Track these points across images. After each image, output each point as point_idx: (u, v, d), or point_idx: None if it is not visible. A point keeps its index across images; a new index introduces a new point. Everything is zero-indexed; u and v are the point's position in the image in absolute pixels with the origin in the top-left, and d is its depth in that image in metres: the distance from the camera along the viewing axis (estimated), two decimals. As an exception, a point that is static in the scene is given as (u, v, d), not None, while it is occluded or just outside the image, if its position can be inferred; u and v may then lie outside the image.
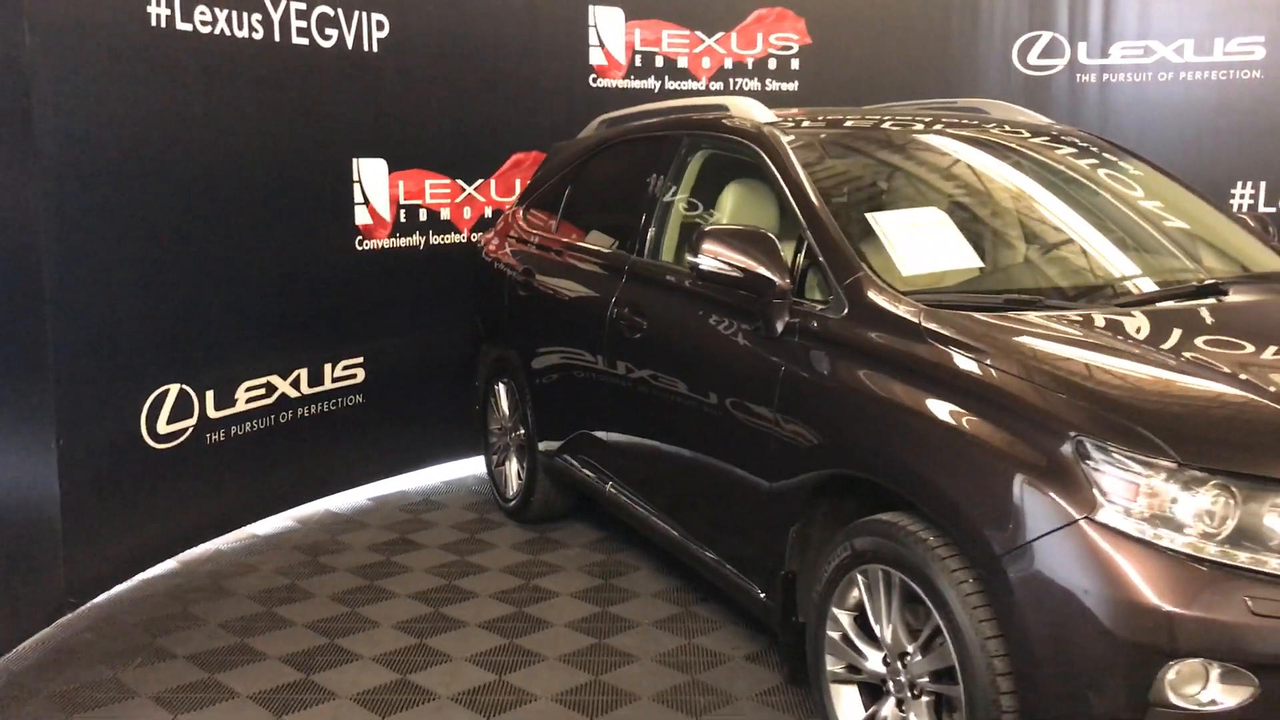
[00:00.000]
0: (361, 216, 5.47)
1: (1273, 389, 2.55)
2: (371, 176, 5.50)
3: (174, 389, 4.58)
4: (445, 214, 5.87)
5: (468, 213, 5.97)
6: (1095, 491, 2.37)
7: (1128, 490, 2.35)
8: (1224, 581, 2.25)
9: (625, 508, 4.29)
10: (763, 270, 3.26)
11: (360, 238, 5.47)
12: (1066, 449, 2.44)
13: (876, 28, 6.85)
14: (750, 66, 6.78)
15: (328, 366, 5.39)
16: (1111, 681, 2.31)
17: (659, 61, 6.58)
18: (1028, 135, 4.11)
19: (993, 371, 2.70)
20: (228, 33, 4.69)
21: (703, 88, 6.68)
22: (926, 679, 2.77)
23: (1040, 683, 2.43)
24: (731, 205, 3.98)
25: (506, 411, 5.30)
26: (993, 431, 2.61)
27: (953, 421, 2.70)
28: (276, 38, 4.93)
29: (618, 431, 4.30)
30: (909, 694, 2.83)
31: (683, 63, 6.65)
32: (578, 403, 4.59)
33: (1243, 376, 2.61)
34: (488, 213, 6.01)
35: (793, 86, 6.84)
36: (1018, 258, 3.52)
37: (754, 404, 3.36)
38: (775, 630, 3.38)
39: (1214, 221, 3.87)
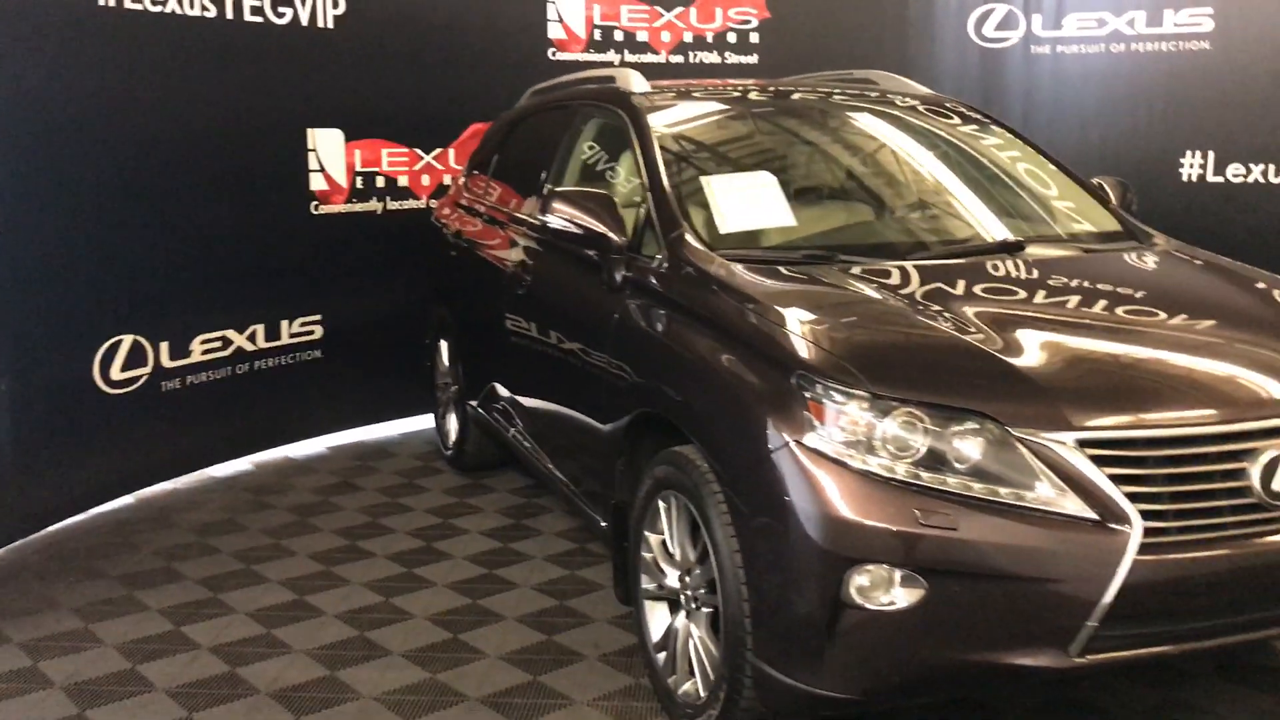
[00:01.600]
0: (317, 183, 5.85)
1: (978, 334, 2.82)
2: (327, 145, 5.88)
3: (127, 339, 5.00)
4: (403, 181, 6.24)
5: (426, 180, 6.33)
6: (808, 418, 2.66)
7: (832, 417, 2.63)
8: (903, 498, 2.52)
9: (520, 453, 4.63)
10: (601, 228, 3.57)
11: (315, 203, 5.86)
12: (792, 382, 2.73)
13: (834, 1, 7.06)
14: (710, 40, 7.04)
15: (284, 323, 5.79)
16: (808, 585, 2.60)
17: (618, 35, 6.87)
18: (896, 105, 4.35)
19: (753, 318, 2.99)
20: (178, 11, 5.09)
21: (663, 61, 6.95)
22: (703, 591, 3.08)
23: (761, 589, 2.72)
24: (625, 171, 4.28)
25: (446, 366, 5.67)
26: (744, 370, 2.90)
27: (716, 362, 3.00)
28: (229, 15, 5.32)
29: (512, 382, 4.64)
30: (693, 606, 3.14)
31: (642, 36, 6.93)
32: (488, 356, 4.94)
33: (953, 320, 2.88)
34: (446, 180, 6.36)
35: (752, 59, 7.08)
36: (835, 218, 3.79)
37: (596, 350, 3.68)
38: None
39: (1060, 187, 4.09)
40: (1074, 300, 3.13)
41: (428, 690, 3.48)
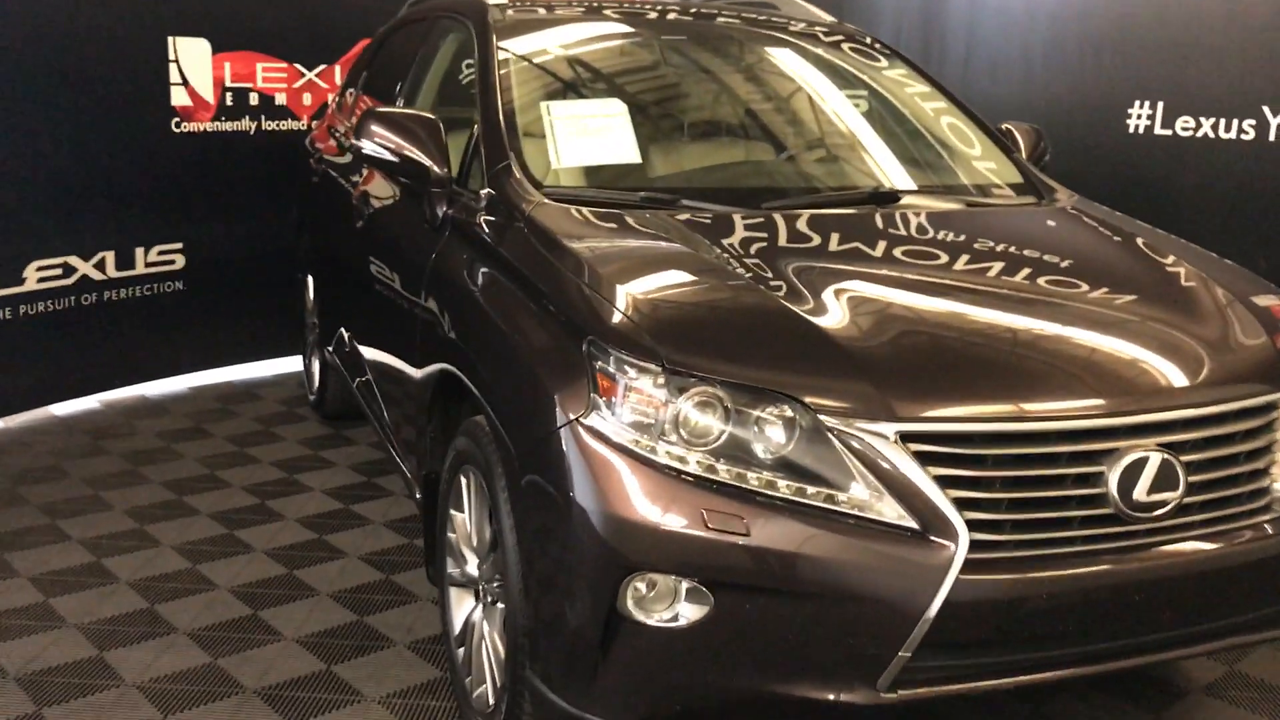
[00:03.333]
0: (179, 98, 5.33)
1: (805, 302, 2.38)
2: (191, 57, 5.35)
3: (-58, 262, 4.52)
4: (280, 99, 5.72)
5: (308, 99, 5.82)
6: (592, 394, 2.22)
7: (618, 393, 2.19)
8: (692, 495, 2.10)
9: (364, 409, 4.18)
10: (419, 156, 3.10)
11: (177, 120, 5.34)
12: (583, 350, 2.29)
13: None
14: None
15: (139, 251, 5.30)
16: (582, 592, 2.18)
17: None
18: (790, 33, 3.86)
19: (554, 270, 2.54)
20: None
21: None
22: (496, 586, 2.66)
23: (540, 593, 2.31)
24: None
25: (311, 304, 5.20)
26: (537, 332, 2.46)
27: (511, 319, 2.56)
28: (74, -96, 4.77)
29: (354, 327, 4.18)
30: (489, 601, 2.72)
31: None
32: (337, 297, 4.48)
33: (783, 284, 2.44)
34: (331, 100, 5.84)
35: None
36: (694, 157, 3.33)
37: (415, 298, 3.22)
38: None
39: (963, 132, 3.63)
40: (933, 264, 2.69)
41: (203, 678, 3.06)
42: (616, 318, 2.31)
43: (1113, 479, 2.18)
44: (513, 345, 2.51)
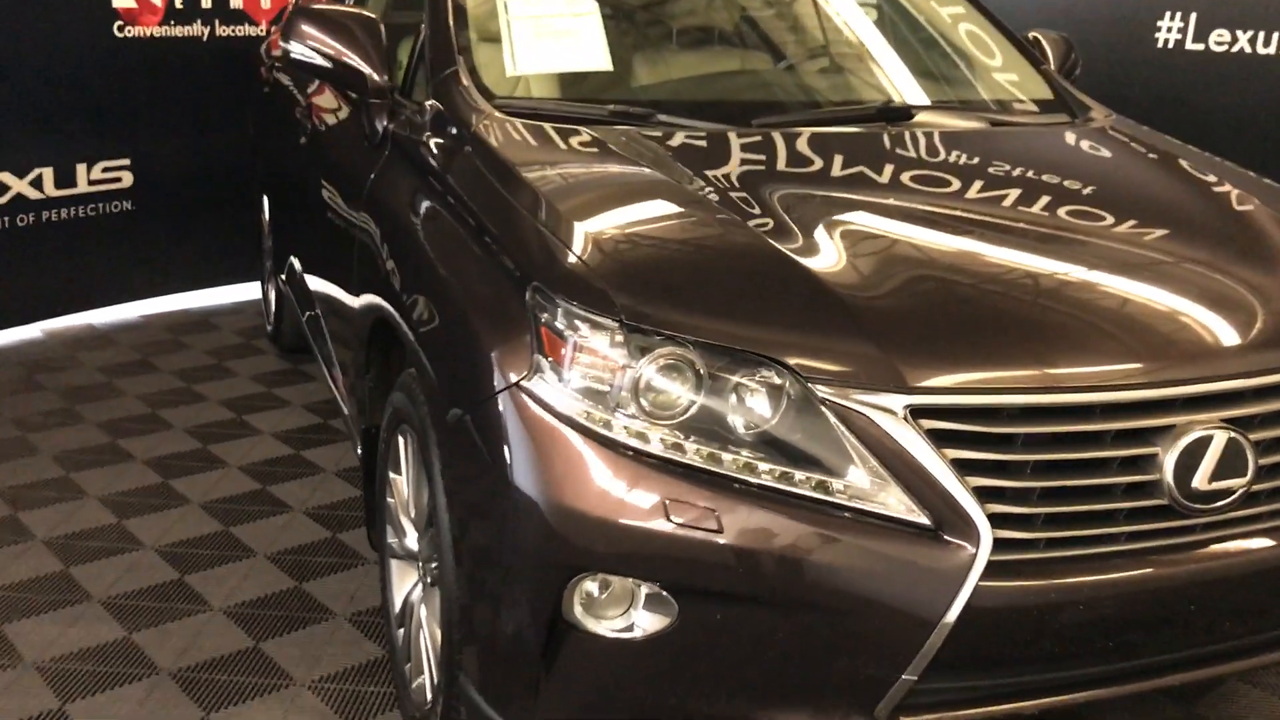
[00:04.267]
0: (121, -1, 4.85)
1: (796, 243, 1.97)
2: (133, -48, 4.86)
3: None
4: (236, 2, 5.23)
5: (266, 2, 5.33)
6: (536, 354, 1.82)
7: (566, 353, 1.79)
8: (651, 480, 1.71)
9: (313, 344, 3.78)
10: (355, 61, 2.66)
11: (120, 23, 4.87)
12: (527, 298, 1.88)
13: None
14: None
15: (80, 167, 4.87)
16: (520, 593, 1.80)
17: None
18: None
19: (502, 199, 2.13)
20: None
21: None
22: (434, 567, 2.28)
23: (476, 589, 1.93)
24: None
25: (266, 228, 4.78)
26: (477, 275, 2.05)
27: (449, 258, 2.15)
28: None
29: (302, 255, 3.77)
30: (428, 582, 2.35)
31: None
32: (286, 220, 4.06)
33: (771, 220, 2.03)
34: (291, 3, 5.35)
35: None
36: (678, 65, 2.88)
37: (351, 224, 2.81)
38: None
39: (986, 40, 3.17)
40: (951, 195, 2.27)
41: (113, 656, 2.70)
42: (566, 260, 1.90)
43: (1168, 463, 1.78)
44: (448, 289, 2.10)
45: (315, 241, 3.40)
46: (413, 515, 2.42)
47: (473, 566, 1.91)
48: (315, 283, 3.45)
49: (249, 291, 5.54)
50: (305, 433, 4.02)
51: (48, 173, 4.75)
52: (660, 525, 1.69)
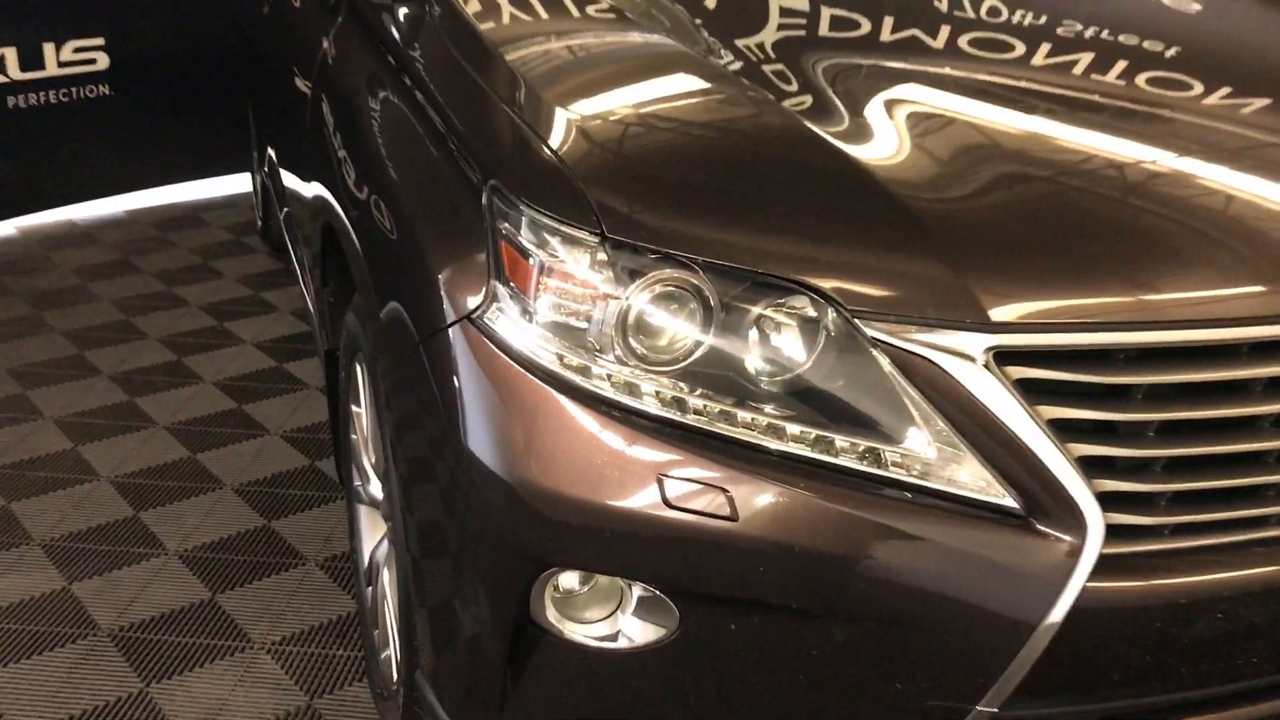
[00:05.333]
0: None
1: (843, 127, 1.49)
2: None
3: None
4: None
5: None
6: (494, 279, 1.38)
7: (533, 278, 1.34)
8: (642, 447, 1.27)
9: (290, 245, 3.35)
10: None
11: (85, -119, 4.36)
12: (484, 203, 1.43)
13: None
14: None
15: (48, 48, 4.40)
16: (477, 589, 1.39)
17: None
18: None
19: (471, 77, 1.66)
20: None
21: None
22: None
23: (429, 575, 1.52)
24: None
25: (251, 110, 4.32)
26: (431, 171, 1.60)
27: (397, 148, 1.69)
28: None
29: (273, 141, 3.32)
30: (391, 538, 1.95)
31: None
32: (259, 101, 3.60)
33: (811, 95, 1.54)
34: None
35: None
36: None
37: (305, 103, 2.35)
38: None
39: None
40: (1044, 68, 1.77)
41: (47, 613, 2.35)
42: (537, 152, 1.44)
43: None
44: (398, 190, 1.66)
45: (281, 127, 2.95)
46: (373, 460, 2.01)
47: (422, 546, 1.50)
48: (286, 176, 3.01)
49: (244, 183, 5.10)
50: (290, 342, 3.62)
51: (9, 53, 4.30)
52: (653, 508, 1.26)
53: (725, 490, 1.25)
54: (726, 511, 1.25)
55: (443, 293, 1.41)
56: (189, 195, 5.02)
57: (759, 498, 1.25)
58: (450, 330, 1.39)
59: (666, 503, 1.25)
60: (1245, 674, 1.38)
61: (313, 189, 2.20)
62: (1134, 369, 1.29)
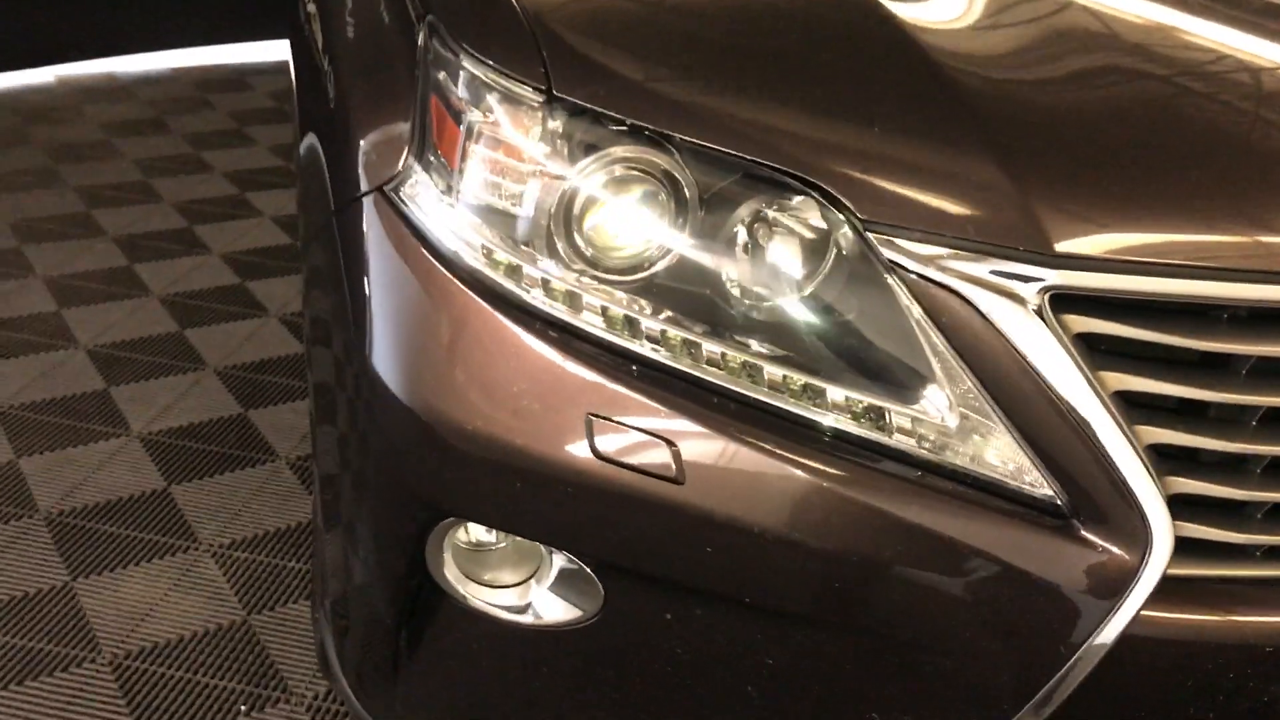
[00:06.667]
0: None
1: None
2: None
3: None
4: None
5: None
6: (415, 138, 1.07)
7: (460, 141, 1.04)
8: (574, 376, 0.97)
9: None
10: None
11: None
12: (419, 43, 1.12)
13: None
14: None
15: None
16: (366, 532, 1.11)
17: None
18: None
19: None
20: None
21: None
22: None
23: (325, 494, 1.25)
24: None
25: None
26: (372, 12, 1.29)
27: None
28: None
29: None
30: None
31: None
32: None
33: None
34: None
35: None
36: None
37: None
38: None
39: None
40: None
41: (-15, 486, 2.15)
42: (488, -16, 1.12)
43: None
44: (334, 26, 1.35)
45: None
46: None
47: (324, 461, 1.23)
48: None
49: (296, 49, 4.82)
50: (310, 220, 3.36)
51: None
52: (578, 458, 0.96)
53: (672, 444, 0.95)
54: (671, 471, 0.95)
55: (360, 153, 1.12)
56: (237, 57, 4.76)
57: (715, 458, 0.95)
58: (364, 201, 1.10)
59: (595, 452, 0.95)
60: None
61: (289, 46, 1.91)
62: (1242, 334, 0.96)
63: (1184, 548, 0.95)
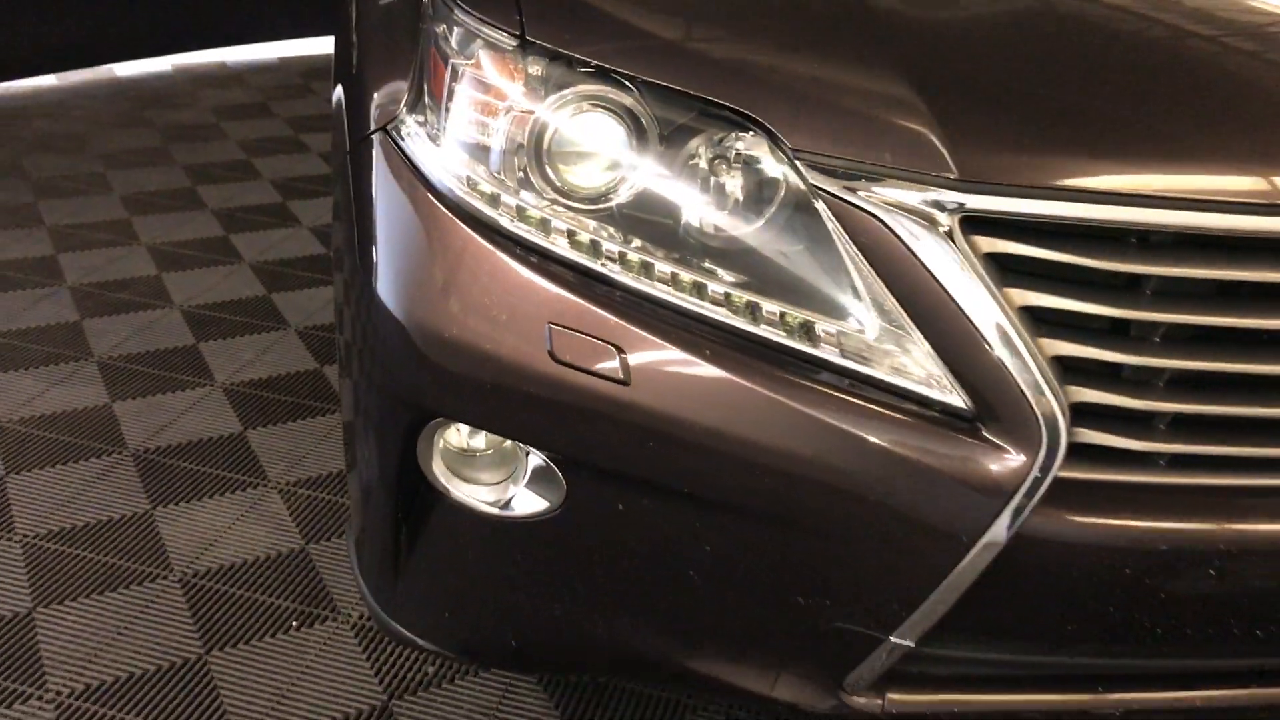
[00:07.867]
0: None
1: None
2: None
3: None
4: None
5: None
6: (415, 83, 1.22)
7: (445, 83, 1.18)
8: (539, 290, 1.10)
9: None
10: None
11: None
12: (424, 3, 1.27)
13: None
14: None
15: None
16: (370, 428, 1.26)
17: None
18: None
19: None
20: None
21: None
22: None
23: (346, 401, 1.40)
24: None
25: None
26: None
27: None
28: None
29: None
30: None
31: None
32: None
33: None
34: None
35: None
36: None
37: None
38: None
39: None
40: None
41: (84, 426, 2.36)
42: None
43: None
44: (364, 9, 1.50)
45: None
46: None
47: (344, 370, 1.38)
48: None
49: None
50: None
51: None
52: (538, 362, 1.09)
53: (620, 349, 1.07)
54: (619, 374, 1.07)
55: (373, 95, 1.26)
56: (341, 47, 4.99)
57: (659, 363, 1.07)
58: (374, 138, 1.24)
59: (553, 356, 1.08)
60: (1243, 650, 1.12)
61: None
62: (1149, 255, 1.03)
63: (1087, 454, 1.03)
